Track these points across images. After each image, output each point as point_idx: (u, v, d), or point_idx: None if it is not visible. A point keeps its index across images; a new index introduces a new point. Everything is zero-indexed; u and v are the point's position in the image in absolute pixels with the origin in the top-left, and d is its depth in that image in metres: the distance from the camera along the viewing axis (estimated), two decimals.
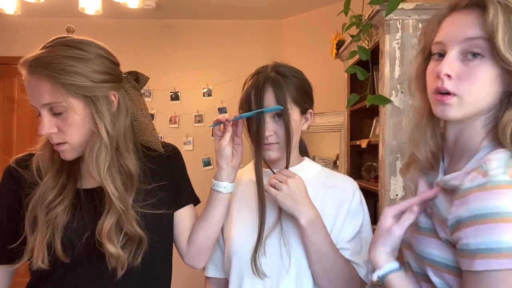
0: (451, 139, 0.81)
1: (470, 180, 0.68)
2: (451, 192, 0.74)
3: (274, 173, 1.06)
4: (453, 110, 0.73)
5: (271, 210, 1.07)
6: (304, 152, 1.23)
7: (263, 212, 1.05)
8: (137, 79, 1.05)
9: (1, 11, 2.54)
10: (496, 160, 0.68)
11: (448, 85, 0.72)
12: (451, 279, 0.74)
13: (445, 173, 0.81)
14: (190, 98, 3.81)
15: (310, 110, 1.13)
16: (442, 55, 0.76)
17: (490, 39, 0.69)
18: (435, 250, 0.76)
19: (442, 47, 0.75)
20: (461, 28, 0.73)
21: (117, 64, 0.98)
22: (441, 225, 0.74)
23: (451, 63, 0.72)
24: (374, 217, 2.42)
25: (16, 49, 3.15)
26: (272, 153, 1.07)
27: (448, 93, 0.73)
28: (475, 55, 0.71)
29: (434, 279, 0.77)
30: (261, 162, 1.06)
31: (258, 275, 1.02)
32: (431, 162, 0.85)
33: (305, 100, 1.09)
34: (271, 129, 1.05)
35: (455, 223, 0.68)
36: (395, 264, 0.80)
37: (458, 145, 0.79)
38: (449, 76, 0.72)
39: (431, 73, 0.77)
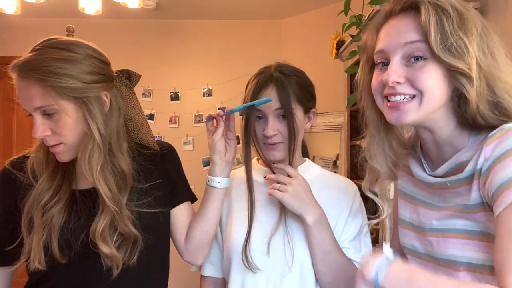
0: (430, 145, 0.80)
1: (497, 128, 0.68)
2: (460, 184, 0.72)
3: (274, 169, 1.06)
4: (409, 114, 0.73)
5: (274, 209, 1.07)
6: (304, 152, 1.22)
7: (252, 205, 1.06)
8: (129, 77, 1.04)
9: (1, 11, 2.53)
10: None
11: (401, 89, 0.72)
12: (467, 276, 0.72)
13: (432, 170, 0.81)
14: (190, 98, 3.80)
15: (313, 110, 1.13)
16: (386, 63, 0.76)
17: (426, 40, 0.70)
18: (456, 250, 0.74)
19: (384, 55, 0.76)
20: (400, 33, 0.73)
21: (107, 64, 0.97)
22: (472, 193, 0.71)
23: (397, 70, 0.72)
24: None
25: (16, 49, 3.14)
26: (277, 153, 1.07)
27: (403, 99, 0.73)
28: (418, 58, 0.71)
29: None
30: (249, 157, 1.07)
31: (251, 268, 1.02)
32: (393, 173, 0.86)
33: (308, 99, 1.09)
34: (275, 128, 1.05)
35: (487, 169, 0.66)
36: None
37: (442, 147, 0.78)
38: (398, 82, 0.72)
39: (377, 82, 0.77)
